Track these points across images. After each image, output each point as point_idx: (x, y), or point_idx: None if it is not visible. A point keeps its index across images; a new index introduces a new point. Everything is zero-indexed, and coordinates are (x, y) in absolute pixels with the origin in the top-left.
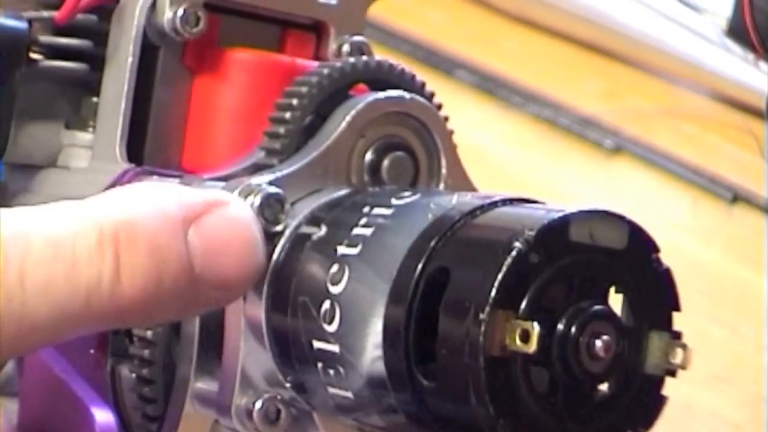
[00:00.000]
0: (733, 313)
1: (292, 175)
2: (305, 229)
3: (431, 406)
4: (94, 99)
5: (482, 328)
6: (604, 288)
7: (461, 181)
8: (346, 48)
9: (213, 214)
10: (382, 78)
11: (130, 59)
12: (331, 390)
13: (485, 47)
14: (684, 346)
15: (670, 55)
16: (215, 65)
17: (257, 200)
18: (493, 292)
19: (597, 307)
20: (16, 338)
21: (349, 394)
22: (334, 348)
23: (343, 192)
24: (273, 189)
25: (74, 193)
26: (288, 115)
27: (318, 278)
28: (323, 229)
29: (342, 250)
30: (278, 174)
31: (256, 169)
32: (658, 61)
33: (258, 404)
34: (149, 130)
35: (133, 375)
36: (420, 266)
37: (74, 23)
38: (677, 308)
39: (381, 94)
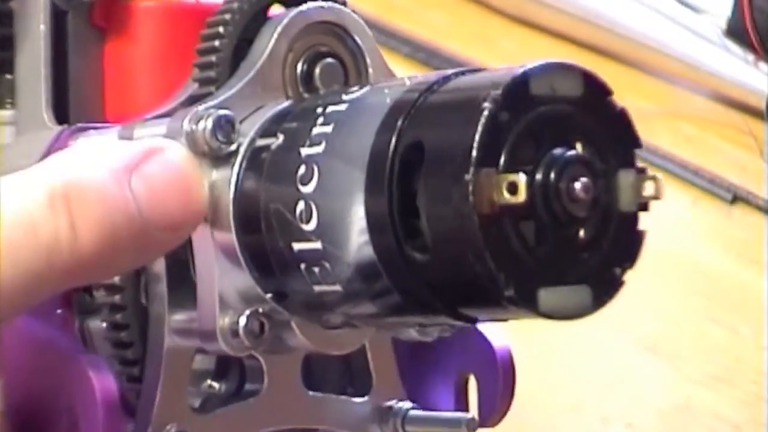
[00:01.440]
0: (733, 313)
1: (234, 97)
2: (261, 142)
3: (427, 278)
4: (8, 76)
5: (470, 188)
6: (569, 135)
7: (388, 79)
8: None
9: (151, 160)
10: None
11: (42, 27)
12: (318, 288)
13: (485, 47)
14: (654, 178)
15: (670, 55)
16: (123, 19)
17: (209, 123)
18: (474, 153)
19: (570, 152)
20: None
21: (338, 287)
22: (316, 245)
23: (287, 103)
24: (222, 111)
25: (9, 167)
26: (217, 43)
27: (286, 183)
28: (280, 138)
29: (306, 151)
30: (221, 98)
31: (194, 100)
32: (658, 62)
33: (242, 321)
34: (70, 92)
35: (104, 324)
36: (392, 145)
37: None
38: (638, 145)
39: (302, 8)
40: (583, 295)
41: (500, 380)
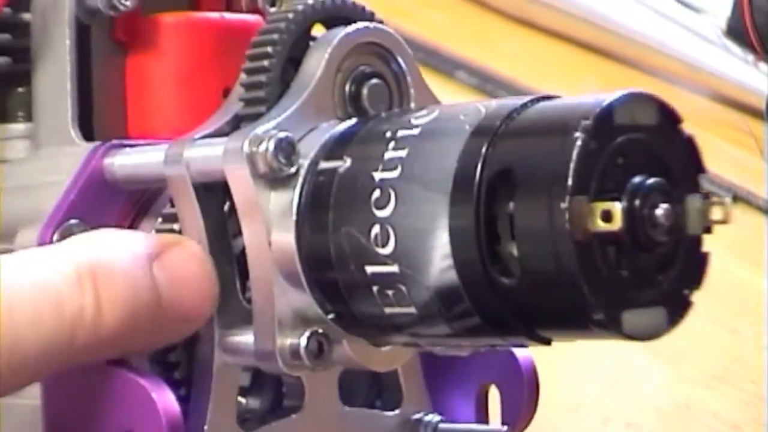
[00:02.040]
0: (733, 313)
1: (290, 118)
2: (325, 165)
3: (512, 302)
4: (20, 89)
5: (566, 216)
6: (647, 162)
7: (428, 98)
8: None
9: (173, 251)
10: (336, 14)
11: (67, 42)
12: (389, 310)
13: (485, 48)
14: (722, 203)
15: (670, 55)
16: (146, 34)
17: (270, 145)
18: (570, 181)
19: (651, 180)
20: (8, 371)
21: (412, 310)
22: (393, 268)
23: (346, 126)
24: (282, 133)
25: (33, 182)
26: (266, 63)
27: (359, 206)
28: (347, 161)
29: (379, 175)
30: (278, 119)
31: (239, 120)
32: (658, 61)
33: (303, 342)
34: (95, 107)
35: None
36: (478, 171)
37: None
38: (704, 170)
39: (349, 29)
40: (660, 316)
41: (525, 390)
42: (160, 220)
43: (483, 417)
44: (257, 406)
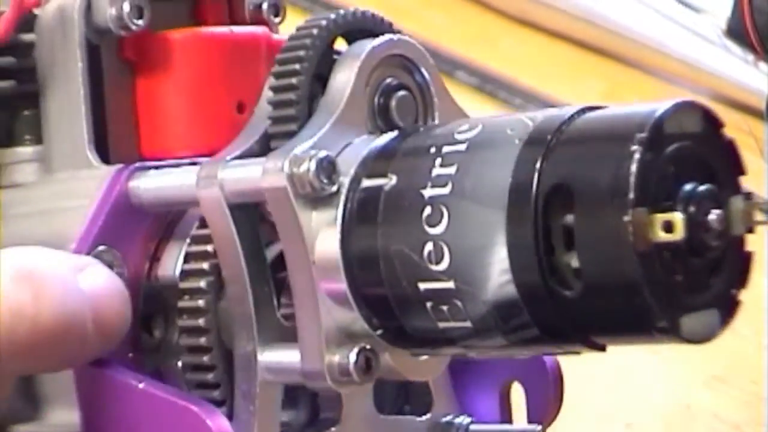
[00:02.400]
0: None
1: (326, 136)
2: (368, 183)
3: (573, 313)
4: (26, 112)
5: (630, 228)
6: (695, 169)
7: (452, 109)
8: (265, 6)
9: (93, 267)
10: (358, 27)
11: (80, 64)
12: (443, 325)
13: (485, 48)
14: (764, 203)
15: (670, 55)
16: (155, 52)
17: (312, 165)
18: (631, 194)
19: (702, 187)
20: None
21: (467, 324)
22: (448, 284)
23: (385, 140)
24: (323, 152)
25: (52, 205)
26: (294, 80)
27: (410, 224)
28: (393, 179)
29: (429, 192)
30: (315, 138)
31: (269, 138)
32: (658, 62)
33: (352, 358)
34: (108, 129)
35: (180, 365)
36: (534, 186)
37: None
38: (744, 172)
39: (377, 42)
40: (713, 318)
41: (551, 386)
42: (188, 241)
43: (507, 414)
44: (293, 419)
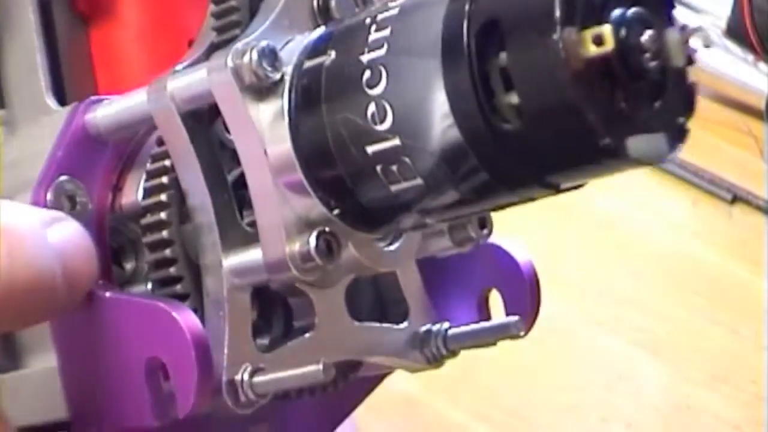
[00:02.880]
0: (733, 313)
1: (266, 33)
2: (310, 63)
3: (517, 148)
4: None
5: (560, 46)
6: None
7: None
8: None
9: (61, 222)
10: None
11: (31, 17)
12: (395, 187)
13: None
14: (698, 30)
15: None
16: (107, 1)
17: (254, 55)
18: (557, 13)
19: (632, 10)
20: None
21: (418, 181)
22: (394, 142)
23: (322, 29)
24: (263, 42)
25: (16, 156)
26: None
27: (351, 90)
28: (332, 54)
29: (367, 57)
30: (255, 34)
31: (215, 48)
32: None
33: (312, 242)
34: (64, 76)
35: (149, 286)
36: (464, 27)
37: None
38: (674, 6)
39: None
40: (661, 141)
41: (527, 292)
42: (149, 162)
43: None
44: (267, 341)
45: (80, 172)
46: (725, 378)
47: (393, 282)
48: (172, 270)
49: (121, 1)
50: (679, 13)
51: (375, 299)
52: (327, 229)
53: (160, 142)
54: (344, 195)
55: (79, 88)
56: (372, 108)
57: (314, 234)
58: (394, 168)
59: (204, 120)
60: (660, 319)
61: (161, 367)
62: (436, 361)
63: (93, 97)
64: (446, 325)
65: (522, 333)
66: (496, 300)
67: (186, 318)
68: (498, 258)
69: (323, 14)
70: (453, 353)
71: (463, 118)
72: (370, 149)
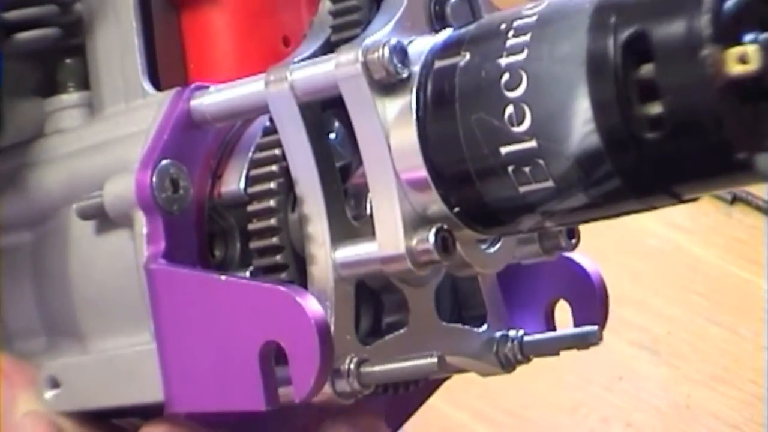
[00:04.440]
0: (733, 314)
1: (391, 33)
2: (443, 63)
3: (655, 156)
4: (68, 60)
5: (707, 63)
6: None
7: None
8: None
9: None
10: None
11: (131, 1)
12: (524, 189)
13: None
14: None
15: None
16: None
17: (385, 51)
18: (707, 31)
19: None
20: None
21: (549, 183)
22: (531, 144)
23: (449, 31)
24: (394, 39)
25: (108, 136)
26: None
27: (488, 92)
28: (466, 56)
29: (505, 60)
30: (381, 33)
31: (332, 45)
32: None
33: (431, 238)
34: (158, 61)
35: (249, 273)
36: (611, 39)
37: None
38: None
39: None
40: None
41: (597, 302)
42: (250, 153)
43: (552, 330)
44: (363, 326)
45: (183, 156)
46: (725, 378)
47: (470, 286)
48: (279, 258)
49: None
50: None
51: (454, 301)
52: (445, 226)
53: (266, 132)
54: (467, 193)
55: (172, 72)
56: (510, 110)
57: (433, 230)
58: (527, 169)
59: (317, 111)
60: (660, 319)
61: (275, 351)
62: (510, 366)
63: (197, 83)
64: (521, 331)
65: (600, 342)
66: None
67: (309, 303)
68: (568, 268)
69: (439, 19)
70: (527, 359)
71: (605, 126)
72: (504, 150)
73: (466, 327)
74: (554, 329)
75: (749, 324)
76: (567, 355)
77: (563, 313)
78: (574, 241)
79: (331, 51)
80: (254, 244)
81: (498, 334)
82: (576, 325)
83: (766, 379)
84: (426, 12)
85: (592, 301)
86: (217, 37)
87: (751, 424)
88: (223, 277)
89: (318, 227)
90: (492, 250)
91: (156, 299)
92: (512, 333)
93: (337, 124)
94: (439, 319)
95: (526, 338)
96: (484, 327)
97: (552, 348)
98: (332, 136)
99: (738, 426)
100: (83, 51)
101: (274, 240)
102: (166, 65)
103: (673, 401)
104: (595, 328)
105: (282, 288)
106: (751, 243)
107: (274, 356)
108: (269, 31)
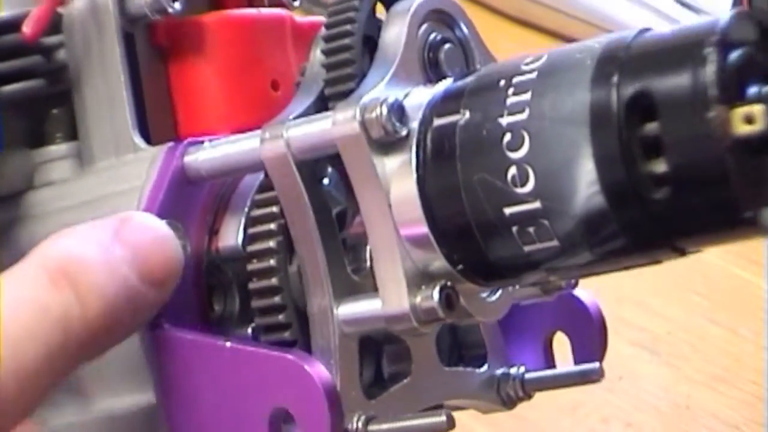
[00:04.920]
0: (733, 314)
1: (387, 88)
2: (442, 121)
3: (661, 215)
4: (55, 111)
5: (713, 124)
6: (755, 72)
7: (491, 61)
8: None
9: (127, 226)
10: None
11: (118, 51)
12: (529, 248)
13: None
14: None
15: None
16: (188, 36)
17: (383, 110)
18: (712, 92)
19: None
20: (19, 391)
21: (554, 243)
22: (534, 205)
23: (446, 84)
24: (392, 97)
25: (102, 192)
26: (348, 41)
27: (490, 152)
28: (466, 113)
29: (507, 120)
30: (377, 89)
31: (326, 99)
32: None
33: (436, 296)
34: (147, 113)
35: (250, 330)
36: (614, 97)
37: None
38: None
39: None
40: None
41: (596, 333)
42: (247, 209)
43: (550, 363)
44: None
45: (179, 214)
46: (725, 378)
47: (469, 326)
48: (281, 317)
49: (202, 36)
50: (679, 13)
51: (453, 341)
52: (448, 283)
53: (262, 188)
54: (471, 251)
55: (161, 124)
56: (513, 171)
57: (437, 288)
58: (531, 229)
59: (313, 171)
60: (660, 319)
61: (285, 416)
62: (511, 403)
63: (190, 140)
64: (522, 368)
65: (601, 379)
66: None
67: (317, 371)
68: (565, 301)
69: (433, 66)
70: (529, 396)
71: (611, 187)
72: (508, 210)
73: (469, 369)
74: (553, 361)
75: (749, 324)
76: (567, 355)
77: (560, 344)
78: (573, 281)
79: (325, 105)
80: (256, 303)
81: (499, 371)
82: (575, 356)
83: (766, 379)
84: (420, 60)
85: (590, 333)
86: (205, 85)
87: (751, 424)
88: (228, 344)
89: (319, 285)
90: (493, 298)
91: (160, 364)
92: (513, 371)
93: (330, 169)
94: (441, 364)
95: (527, 375)
96: (485, 367)
97: (553, 384)
98: (326, 181)
99: (738, 426)
100: (70, 100)
101: (276, 299)
102: (155, 117)
103: (673, 401)
104: (597, 365)
105: (290, 356)
106: (752, 243)
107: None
108: (258, 76)
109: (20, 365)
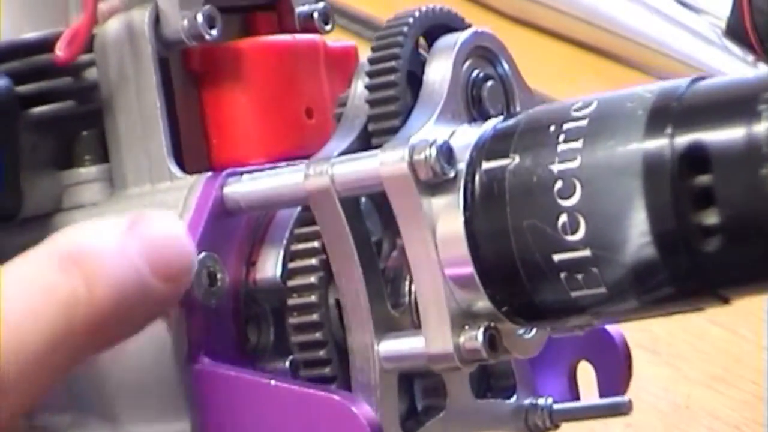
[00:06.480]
0: (733, 314)
1: (433, 127)
2: (491, 164)
3: (711, 267)
4: (85, 133)
5: (767, 180)
6: None
7: (530, 97)
8: (316, 15)
9: (141, 222)
10: (440, 23)
11: (154, 77)
12: (576, 293)
13: None
14: None
15: (669, 55)
16: (223, 62)
17: (433, 152)
18: (766, 149)
19: None
20: (20, 374)
21: (602, 290)
22: (584, 253)
23: (492, 124)
24: (441, 139)
25: None
26: (393, 77)
27: (541, 199)
28: (516, 158)
29: (558, 167)
30: (426, 127)
31: (370, 135)
32: (658, 62)
33: (480, 337)
34: (182, 140)
35: (287, 364)
36: (667, 149)
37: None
38: None
39: (465, 35)
40: None
41: (621, 363)
42: (285, 242)
43: (575, 393)
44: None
45: (217, 246)
46: (725, 378)
47: None
48: (322, 353)
49: (237, 62)
50: (679, 13)
51: (482, 372)
52: (492, 323)
53: (303, 222)
54: (516, 294)
55: (195, 152)
56: (564, 218)
57: (481, 329)
58: (579, 276)
59: (356, 207)
60: (660, 319)
61: None
62: None
63: (230, 170)
64: (550, 399)
65: (630, 413)
66: None
67: (364, 411)
68: (590, 330)
69: (476, 103)
70: (556, 426)
71: (662, 237)
72: (557, 257)
73: (500, 401)
74: (577, 390)
75: (749, 324)
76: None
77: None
78: None
79: (368, 140)
80: (295, 339)
81: (527, 401)
82: (599, 385)
83: (766, 379)
84: (464, 98)
85: (615, 362)
86: (240, 112)
87: (751, 424)
88: (272, 382)
89: (360, 321)
90: (529, 335)
91: (199, 399)
92: (541, 401)
93: (363, 199)
94: (473, 397)
95: (555, 406)
96: (514, 398)
97: (582, 416)
98: None
99: (738, 426)
100: (100, 121)
101: (317, 335)
102: (188, 144)
103: (673, 401)
104: (627, 399)
105: (336, 397)
106: None
107: None
108: (292, 104)
109: (21, 350)
